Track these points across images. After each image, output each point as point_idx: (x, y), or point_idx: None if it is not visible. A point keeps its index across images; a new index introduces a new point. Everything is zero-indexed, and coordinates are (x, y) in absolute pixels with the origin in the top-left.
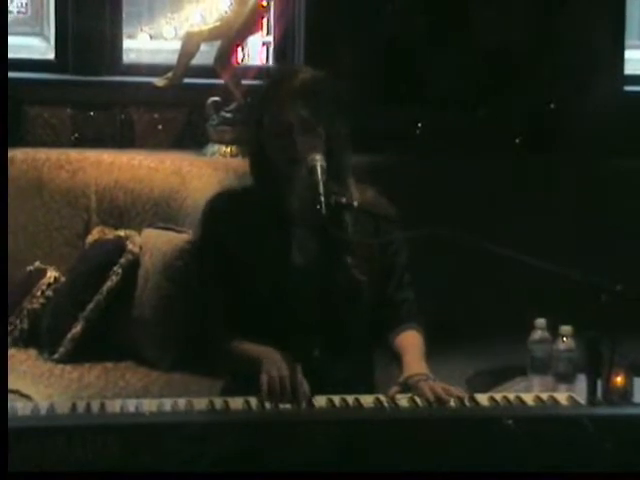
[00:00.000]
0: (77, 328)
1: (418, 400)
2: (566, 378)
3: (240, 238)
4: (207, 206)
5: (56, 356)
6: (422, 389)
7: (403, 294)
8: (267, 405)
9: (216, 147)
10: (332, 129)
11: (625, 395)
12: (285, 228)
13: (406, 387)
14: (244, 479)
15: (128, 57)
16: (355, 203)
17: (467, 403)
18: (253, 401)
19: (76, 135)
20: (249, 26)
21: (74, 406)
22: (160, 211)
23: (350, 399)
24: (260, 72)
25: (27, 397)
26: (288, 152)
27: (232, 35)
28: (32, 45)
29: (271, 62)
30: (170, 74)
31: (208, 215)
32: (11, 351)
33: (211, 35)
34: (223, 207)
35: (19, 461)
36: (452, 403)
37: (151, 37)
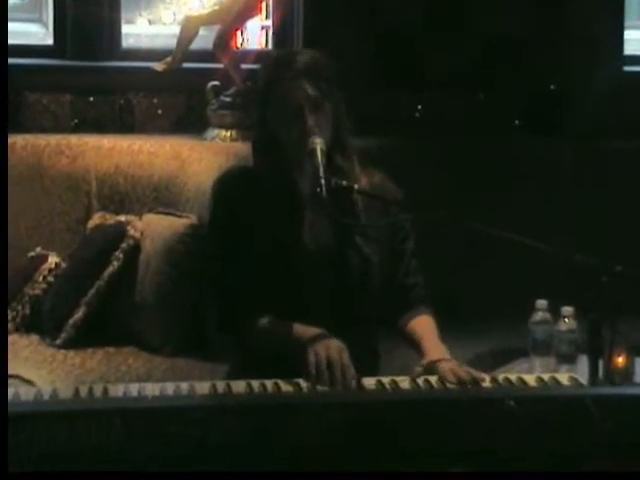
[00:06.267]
0: (79, 313)
1: (420, 382)
2: (568, 359)
3: (251, 217)
4: (217, 184)
5: (58, 341)
6: (445, 372)
7: (413, 278)
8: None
9: (216, 131)
10: (338, 108)
11: (627, 375)
12: (294, 209)
13: (428, 370)
14: (244, 479)
15: (127, 42)
16: (356, 186)
17: (489, 384)
18: (255, 384)
19: (76, 121)
20: (248, 10)
21: (77, 391)
22: (160, 196)
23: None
24: (259, 56)
25: (29, 382)
26: (299, 132)
27: (231, 19)
28: (30, 31)
29: (270, 46)
30: (169, 59)
31: (219, 192)
32: (13, 337)
33: (210, 19)
34: (234, 185)
35: (23, 446)
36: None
37: (150, 22)
